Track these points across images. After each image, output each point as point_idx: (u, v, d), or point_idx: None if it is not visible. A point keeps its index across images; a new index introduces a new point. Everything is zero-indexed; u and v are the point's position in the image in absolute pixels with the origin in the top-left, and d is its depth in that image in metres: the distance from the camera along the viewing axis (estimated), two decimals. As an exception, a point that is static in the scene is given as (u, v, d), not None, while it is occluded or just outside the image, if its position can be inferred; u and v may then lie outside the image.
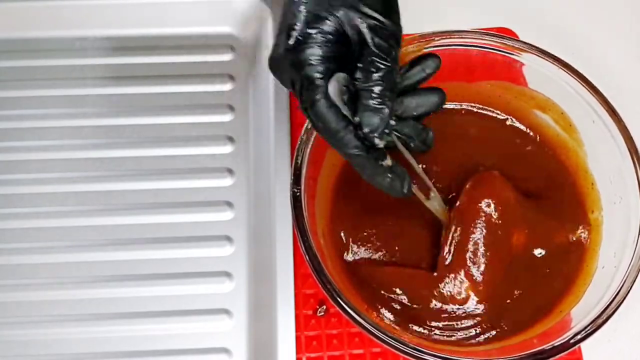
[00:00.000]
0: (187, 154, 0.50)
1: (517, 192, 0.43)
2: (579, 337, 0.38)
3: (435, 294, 0.41)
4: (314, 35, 0.35)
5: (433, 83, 0.47)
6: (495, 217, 0.41)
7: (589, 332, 0.38)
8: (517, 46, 0.45)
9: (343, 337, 0.44)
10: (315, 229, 0.41)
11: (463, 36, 0.45)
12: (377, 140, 0.36)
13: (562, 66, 0.44)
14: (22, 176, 0.48)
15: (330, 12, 0.36)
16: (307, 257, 0.39)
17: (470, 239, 0.41)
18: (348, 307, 0.38)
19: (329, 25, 0.36)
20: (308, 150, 0.42)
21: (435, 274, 0.41)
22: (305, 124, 0.42)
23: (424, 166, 0.44)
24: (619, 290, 0.39)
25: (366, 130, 0.36)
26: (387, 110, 0.35)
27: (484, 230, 0.41)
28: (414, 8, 0.55)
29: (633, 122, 0.43)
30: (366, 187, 0.45)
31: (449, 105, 0.48)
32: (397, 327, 0.41)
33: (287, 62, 0.36)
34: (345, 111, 0.36)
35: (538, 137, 0.47)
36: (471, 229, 0.41)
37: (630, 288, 0.39)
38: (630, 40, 0.55)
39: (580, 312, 0.40)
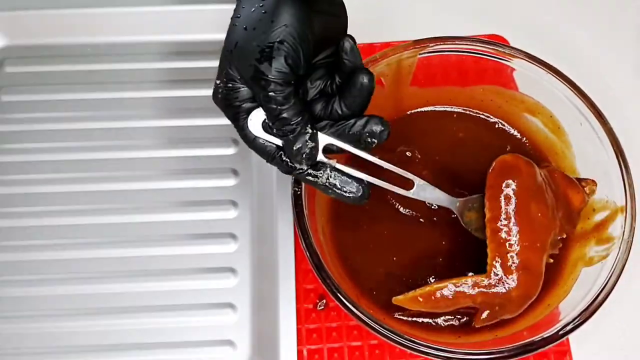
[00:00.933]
0: (194, 155, 0.50)
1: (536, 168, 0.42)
2: (567, 329, 0.39)
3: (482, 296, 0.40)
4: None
5: (430, 87, 0.48)
6: (529, 191, 0.40)
7: (576, 324, 0.39)
8: (507, 52, 0.45)
9: (342, 330, 0.45)
10: (315, 226, 0.42)
11: (456, 42, 0.46)
12: (300, 165, 0.38)
13: (551, 71, 0.45)
14: (36, 176, 0.49)
15: None
16: (307, 253, 0.40)
17: (514, 220, 0.40)
18: (347, 301, 0.38)
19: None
20: (308, 151, 0.43)
21: (487, 279, 0.39)
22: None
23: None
24: (606, 284, 0.40)
25: (285, 158, 0.38)
26: (297, 136, 0.37)
27: (520, 214, 0.40)
28: (409, 15, 0.57)
29: (619, 125, 0.44)
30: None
31: (441, 109, 0.49)
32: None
33: (218, 103, 0.39)
34: (275, 140, 0.38)
35: (526, 140, 0.48)
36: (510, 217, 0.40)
37: (617, 282, 0.40)
38: (616, 46, 0.55)
39: (568, 306, 0.41)
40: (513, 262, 0.40)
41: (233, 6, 0.53)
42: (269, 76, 0.35)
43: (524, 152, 0.48)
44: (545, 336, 0.39)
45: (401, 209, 0.45)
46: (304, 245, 0.40)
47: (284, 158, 0.38)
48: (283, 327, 0.43)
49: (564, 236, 0.42)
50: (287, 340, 0.43)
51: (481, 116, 0.49)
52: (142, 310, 0.46)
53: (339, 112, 0.38)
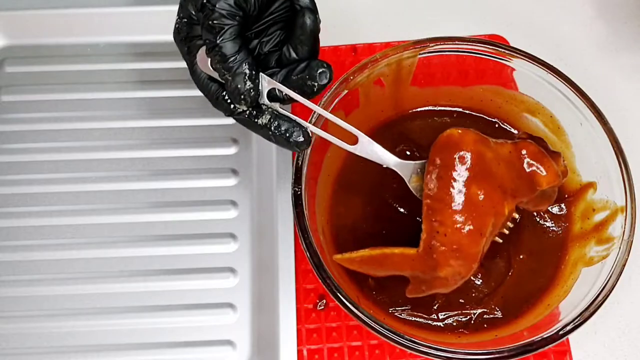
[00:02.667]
0: (194, 155, 0.50)
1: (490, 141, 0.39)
2: (567, 329, 0.39)
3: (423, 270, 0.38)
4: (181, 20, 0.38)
5: (430, 87, 0.49)
6: (471, 171, 0.37)
7: (576, 324, 0.39)
8: (507, 52, 0.45)
9: (342, 330, 0.45)
10: (315, 226, 0.42)
11: (456, 43, 0.46)
12: (242, 105, 0.37)
13: (551, 71, 0.45)
14: (37, 176, 0.50)
15: None
16: (307, 253, 0.40)
17: (450, 200, 0.37)
18: (347, 301, 0.39)
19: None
20: (308, 151, 0.42)
21: (418, 249, 0.38)
22: (306, 127, 0.44)
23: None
24: (606, 284, 0.40)
25: (227, 97, 0.38)
26: (235, 75, 0.36)
27: (463, 187, 0.37)
28: (410, 16, 0.57)
29: (619, 125, 0.44)
30: (365, 186, 0.47)
31: (441, 109, 0.49)
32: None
33: (175, 39, 0.39)
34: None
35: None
36: (449, 188, 0.37)
37: (617, 282, 0.40)
38: (616, 46, 0.55)
39: (568, 306, 0.41)
40: (443, 243, 0.37)
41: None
42: (216, 6, 0.35)
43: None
44: (545, 336, 0.39)
45: (400, 209, 0.46)
46: (304, 245, 0.40)
47: (227, 98, 0.38)
48: (283, 327, 0.43)
49: (517, 217, 0.40)
50: (287, 340, 0.43)
51: (481, 116, 0.49)
52: (142, 310, 0.46)
53: (287, 56, 0.38)
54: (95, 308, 0.46)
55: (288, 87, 0.38)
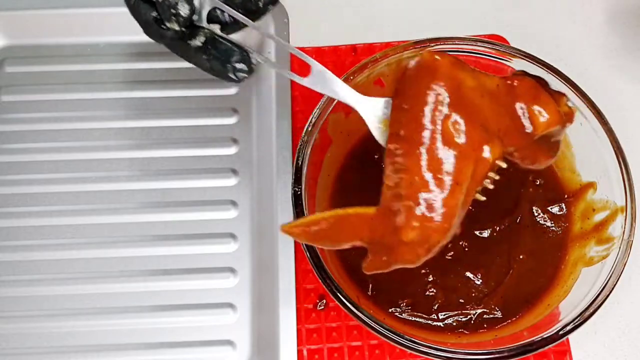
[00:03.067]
0: (194, 155, 0.50)
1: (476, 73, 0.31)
2: (567, 329, 0.39)
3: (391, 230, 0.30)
4: None
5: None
6: (447, 104, 0.29)
7: (576, 324, 0.39)
8: (507, 52, 0.45)
9: (342, 330, 0.45)
10: (315, 226, 0.43)
11: (456, 42, 0.45)
12: (174, 24, 0.34)
13: (551, 71, 0.44)
14: (36, 176, 0.50)
15: None
16: (307, 253, 0.40)
17: (419, 139, 0.29)
18: (347, 301, 0.39)
19: None
20: (308, 151, 0.42)
21: (375, 213, 0.30)
22: (306, 126, 0.43)
23: None
24: (606, 284, 0.40)
25: (159, 16, 0.34)
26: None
27: (438, 135, 0.29)
28: (410, 16, 0.57)
29: (619, 125, 0.44)
30: (365, 187, 0.47)
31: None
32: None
33: None
34: None
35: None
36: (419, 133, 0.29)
37: (617, 282, 0.40)
38: (616, 46, 0.56)
39: (568, 306, 0.41)
40: (408, 196, 0.29)
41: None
42: None
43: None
44: (545, 336, 0.39)
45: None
46: (303, 245, 0.40)
47: (158, 17, 0.35)
48: (283, 327, 0.43)
49: (503, 166, 0.32)
50: (287, 340, 0.43)
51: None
52: (142, 310, 0.46)
53: None
54: (95, 308, 0.46)
55: (230, 6, 0.34)
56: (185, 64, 0.53)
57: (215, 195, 0.49)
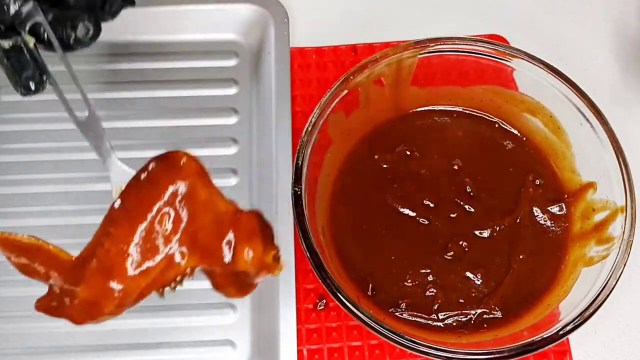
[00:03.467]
0: (194, 155, 0.51)
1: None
2: (567, 329, 0.39)
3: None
4: None
5: (430, 87, 0.49)
6: (171, 200, 0.31)
7: (576, 324, 0.39)
8: (508, 52, 0.45)
9: (342, 330, 0.45)
10: (315, 226, 0.42)
11: (456, 42, 0.46)
12: None
13: (551, 71, 0.45)
14: (37, 176, 0.49)
15: None
16: (307, 253, 0.40)
17: (135, 217, 0.31)
18: (347, 301, 0.39)
19: None
20: (308, 151, 0.43)
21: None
22: (306, 127, 0.43)
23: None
24: (606, 284, 0.40)
25: None
26: None
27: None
28: (410, 16, 0.57)
29: (619, 125, 0.44)
30: (365, 186, 0.47)
31: (441, 109, 0.49)
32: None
33: None
34: None
35: (525, 139, 0.48)
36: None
37: (617, 282, 0.40)
38: (616, 46, 0.56)
39: (568, 306, 0.41)
40: (100, 259, 0.31)
41: (233, 6, 0.53)
42: None
43: (524, 152, 0.48)
44: (545, 336, 0.39)
45: (401, 209, 0.46)
46: (304, 245, 0.40)
47: None
48: (283, 327, 0.43)
49: (190, 278, 0.33)
50: (288, 340, 0.43)
51: (481, 116, 0.49)
52: (142, 310, 0.44)
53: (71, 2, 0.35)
54: (95, 308, 0.46)
55: (51, 28, 0.34)
56: (185, 64, 0.54)
57: (215, 195, 0.49)
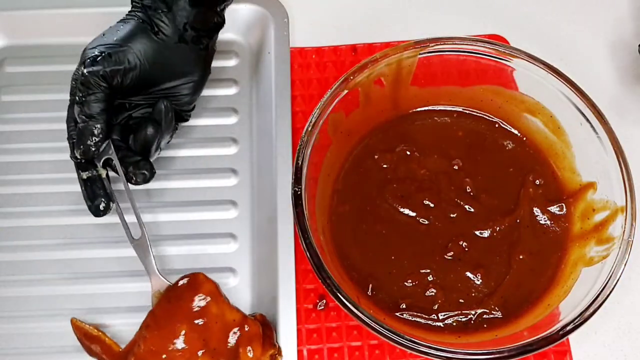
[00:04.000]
0: (194, 155, 0.50)
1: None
2: (567, 329, 0.39)
3: None
4: None
5: (430, 87, 0.49)
6: (192, 314, 0.41)
7: (576, 324, 0.39)
8: (508, 52, 0.45)
9: (342, 330, 0.45)
10: (315, 226, 0.42)
11: (456, 42, 0.46)
12: (75, 153, 0.44)
13: (551, 71, 0.45)
14: (37, 176, 0.50)
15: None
16: (307, 253, 0.40)
17: (162, 325, 0.41)
18: (347, 301, 0.39)
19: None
20: (308, 151, 0.43)
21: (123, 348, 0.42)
22: (306, 127, 0.44)
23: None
24: (606, 284, 0.40)
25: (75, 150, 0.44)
26: (86, 128, 0.43)
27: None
28: (410, 16, 0.57)
29: (619, 125, 0.44)
30: (365, 186, 0.47)
31: (441, 109, 0.49)
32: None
33: None
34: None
35: (526, 139, 0.48)
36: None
37: (617, 282, 0.40)
38: (616, 46, 0.56)
39: (568, 306, 0.41)
40: (137, 355, 0.41)
41: (233, 6, 0.53)
42: (85, 71, 0.43)
43: (524, 152, 0.48)
44: (545, 336, 0.39)
45: (401, 209, 0.46)
46: (304, 245, 0.40)
47: (74, 139, 0.45)
48: (283, 326, 0.43)
49: None
50: (288, 340, 0.43)
51: (481, 116, 0.49)
52: (142, 310, 0.45)
53: (129, 143, 0.46)
54: (94, 308, 0.46)
55: (121, 165, 0.45)
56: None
57: (215, 195, 0.49)
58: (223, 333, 0.42)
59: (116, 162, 0.45)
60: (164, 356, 0.41)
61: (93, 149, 0.43)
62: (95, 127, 0.43)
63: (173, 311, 0.42)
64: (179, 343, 0.41)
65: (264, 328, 0.43)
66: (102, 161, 0.45)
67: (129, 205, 0.45)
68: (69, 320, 0.45)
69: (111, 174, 0.46)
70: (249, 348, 0.41)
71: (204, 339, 0.41)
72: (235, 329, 0.42)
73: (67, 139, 0.46)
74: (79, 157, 0.44)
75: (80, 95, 0.43)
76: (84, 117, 0.43)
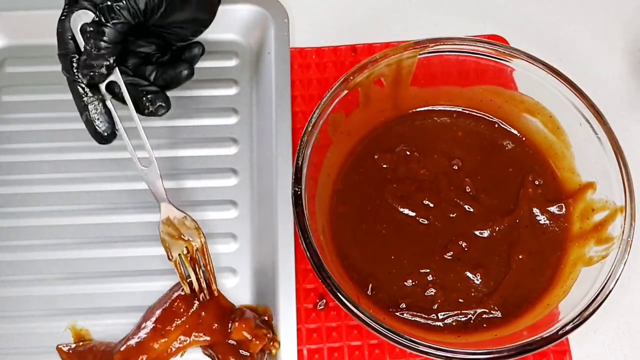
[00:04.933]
0: (194, 155, 0.50)
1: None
2: (566, 329, 0.39)
3: None
4: None
5: (429, 87, 0.49)
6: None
7: (576, 324, 0.39)
8: (507, 52, 0.45)
9: (342, 329, 0.45)
10: (315, 226, 0.43)
11: (456, 43, 0.46)
12: (84, 78, 0.42)
13: (551, 71, 0.45)
14: (37, 176, 0.49)
15: None
16: (307, 253, 0.40)
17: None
18: (347, 301, 0.39)
19: None
20: (308, 151, 0.43)
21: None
22: (306, 127, 0.44)
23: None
24: (605, 284, 0.40)
25: (76, 62, 0.42)
26: (99, 54, 0.41)
27: None
28: (410, 16, 0.57)
29: (618, 125, 0.44)
30: (365, 186, 0.47)
31: (441, 109, 0.49)
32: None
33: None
34: (80, 42, 0.43)
35: (525, 139, 0.48)
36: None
37: (616, 282, 0.40)
38: (615, 46, 0.56)
39: (568, 306, 0.41)
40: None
41: (233, 6, 0.53)
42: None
43: (524, 152, 0.48)
44: (544, 336, 0.39)
45: (400, 209, 0.46)
46: (304, 245, 0.40)
47: (74, 63, 0.43)
48: (283, 326, 0.43)
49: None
50: (288, 340, 0.43)
51: (481, 116, 0.49)
52: (143, 310, 0.46)
53: (151, 79, 0.44)
54: (95, 308, 0.46)
55: (128, 91, 0.43)
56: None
57: (215, 195, 0.49)
58: (222, 317, 0.44)
59: (123, 88, 0.43)
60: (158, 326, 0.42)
61: (100, 72, 0.42)
62: (109, 54, 0.41)
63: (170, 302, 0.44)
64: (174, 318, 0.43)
65: (254, 316, 0.44)
66: (105, 84, 0.43)
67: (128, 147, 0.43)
68: (69, 320, 0.45)
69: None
70: (243, 324, 0.42)
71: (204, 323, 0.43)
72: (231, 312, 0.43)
73: (58, 55, 0.43)
74: (85, 82, 0.42)
75: (103, 20, 0.41)
76: (101, 42, 0.41)
